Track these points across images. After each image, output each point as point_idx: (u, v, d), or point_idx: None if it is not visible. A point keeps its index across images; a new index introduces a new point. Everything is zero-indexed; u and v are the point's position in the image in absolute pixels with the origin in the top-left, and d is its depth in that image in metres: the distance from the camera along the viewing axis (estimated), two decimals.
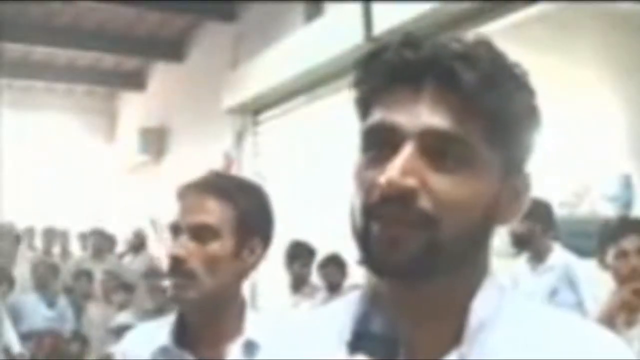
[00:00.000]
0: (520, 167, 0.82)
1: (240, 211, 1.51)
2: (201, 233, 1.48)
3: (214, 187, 1.52)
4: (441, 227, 0.74)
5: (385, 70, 0.79)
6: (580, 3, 4.39)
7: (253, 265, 1.55)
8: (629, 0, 4.40)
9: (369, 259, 0.77)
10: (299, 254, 5.23)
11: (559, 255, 3.95)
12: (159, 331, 1.55)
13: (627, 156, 4.51)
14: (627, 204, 4.50)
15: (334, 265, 5.18)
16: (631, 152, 4.49)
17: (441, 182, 0.75)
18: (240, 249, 1.51)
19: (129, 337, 1.63)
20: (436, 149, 0.75)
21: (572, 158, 4.64)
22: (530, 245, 3.95)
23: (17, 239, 7.39)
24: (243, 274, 1.55)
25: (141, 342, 1.57)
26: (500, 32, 4.63)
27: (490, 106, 0.75)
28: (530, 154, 0.82)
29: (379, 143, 0.78)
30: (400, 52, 0.78)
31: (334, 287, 5.12)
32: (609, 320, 2.91)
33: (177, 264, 1.46)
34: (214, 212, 1.49)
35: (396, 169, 0.73)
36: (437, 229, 0.74)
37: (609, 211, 4.54)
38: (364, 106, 0.82)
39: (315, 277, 5.40)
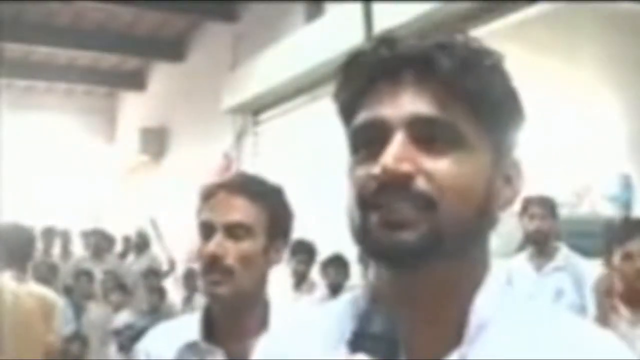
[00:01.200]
0: (510, 152, 0.83)
1: (271, 212, 1.57)
2: (236, 231, 1.53)
3: (246, 188, 1.57)
4: (441, 209, 0.75)
5: (364, 71, 0.80)
6: (580, 3, 4.39)
7: (276, 264, 1.61)
8: (629, 0, 4.40)
9: (369, 248, 0.78)
10: (299, 252, 5.24)
11: (566, 256, 3.92)
12: (180, 330, 1.59)
13: (627, 156, 4.52)
14: (627, 204, 4.50)
15: (336, 266, 5.18)
16: (631, 152, 4.49)
17: (436, 165, 0.76)
18: (269, 248, 1.57)
19: (151, 336, 1.65)
20: (425, 134, 0.76)
21: (572, 158, 4.64)
22: (546, 243, 3.92)
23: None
24: (268, 271, 1.61)
25: (164, 340, 1.60)
26: (501, 32, 4.64)
27: (469, 88, 0.77)
28: (517, 139, 0.83)
29: (368, 141, 0.79)
30: (376, 51, 0.80)
31: (335, 287, 5.12)
32: (604, 317, 2.93)
33: (215, 261, 1.50)
34: (248, 211, 1.54)
35: (390, 157, 0.74)
36: (437, 211, 0.75)
37: (609, 211, 4.54)
38: (348, 112, 0.83)
39: (316, 275, 5.41)
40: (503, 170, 0.82)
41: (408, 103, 0.77)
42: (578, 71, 4.66)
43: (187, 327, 1.57)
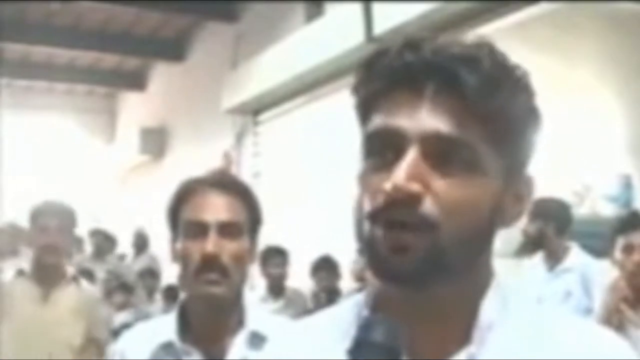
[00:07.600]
0: (522, 170, 0.82)
1: (252, 210, 1.57)
2: (230, 230, 1.52)
3: (231, 187, 1.57)
4: (443, 230, 0.74)
5: (385, 74, 0.78)
6: (580, 3, 4.39)
7: (252, 264, 1.60)
8: (629, 0, 4.40)
9: (373, 264, 0.77)
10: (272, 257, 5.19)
11: (576, 257, 3.88)
12: (156, 330, 1.57)
13: (627, 156, 4.51)
14: (627, 204, 4.50)
15: (326, 269, 5.14)
16: (631, 152, 4.49)
17: (445, 187, 0.74)
18: (252, 246, 1.57)
19: (126, 337, 1.64)
20: (439, 153, 0.75)
21: (572, 158, 4.64)
22: (542, 246, 3.90)
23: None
24: (249, 270, 1.60)
25: (139, 341, 1.58)
26: (501, 32, 4.63)
27: (492, 109, 0.75)
28: (531, 157, 0.82)
29: (382, 148, 0.77)
30: (401, 54, 0.77)
31: (327, 290, 5.09)
32: (609, 317, 2.91)
33: (211, 260, 1.49)
34: (238, 210, 1.54)
35: (401, 175, 0.73)
36: (439, 233, 0.74)
37: (608, 211, 4.54)
38: (364, 111, 0.81)
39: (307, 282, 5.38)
40: (514, 189, 0.80)
41: (427, 117, 0.75)
42: (578, 71, 4.66)
43: (163, 327, 1.55)
